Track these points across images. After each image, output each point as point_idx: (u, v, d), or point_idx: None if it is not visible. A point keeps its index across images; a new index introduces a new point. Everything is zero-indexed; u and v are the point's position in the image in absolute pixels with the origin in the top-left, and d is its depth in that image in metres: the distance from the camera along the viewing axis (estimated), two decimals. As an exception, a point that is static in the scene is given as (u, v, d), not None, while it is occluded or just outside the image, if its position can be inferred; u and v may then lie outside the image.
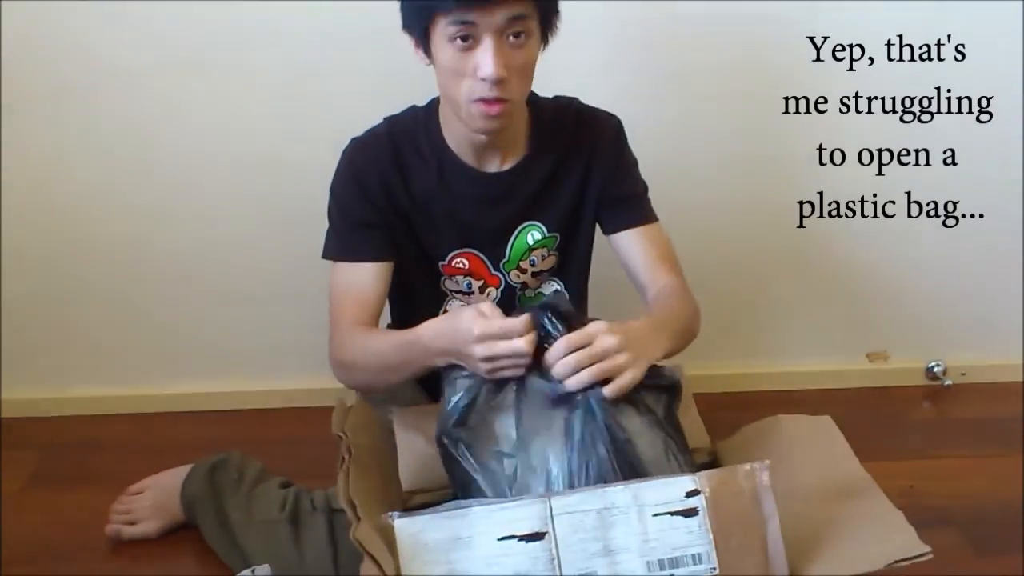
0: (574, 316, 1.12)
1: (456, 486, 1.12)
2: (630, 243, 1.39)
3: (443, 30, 1.18)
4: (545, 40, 1.25)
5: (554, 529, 0.94)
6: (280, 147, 1.71)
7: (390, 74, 1.51)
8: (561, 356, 1.07)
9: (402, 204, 1.35)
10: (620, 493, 0.95)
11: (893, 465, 1.64)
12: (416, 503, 1.17)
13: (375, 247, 1.34)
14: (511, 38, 1.18)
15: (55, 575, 1.43)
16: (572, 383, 1.07)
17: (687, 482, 0.96)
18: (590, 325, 1.09)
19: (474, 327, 1.08)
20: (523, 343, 1.07)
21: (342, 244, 1.35)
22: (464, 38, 1.17)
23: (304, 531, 1.35)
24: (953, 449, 1.75)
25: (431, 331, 1.17)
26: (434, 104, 1.35)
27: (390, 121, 1.37)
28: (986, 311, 1.93)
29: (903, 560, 0.93)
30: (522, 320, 1.08)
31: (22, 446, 1.74)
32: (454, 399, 1.12)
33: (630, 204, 1.41)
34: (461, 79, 1.20)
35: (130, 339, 1.85)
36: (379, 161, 1.34)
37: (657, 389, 1.14)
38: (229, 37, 1.64)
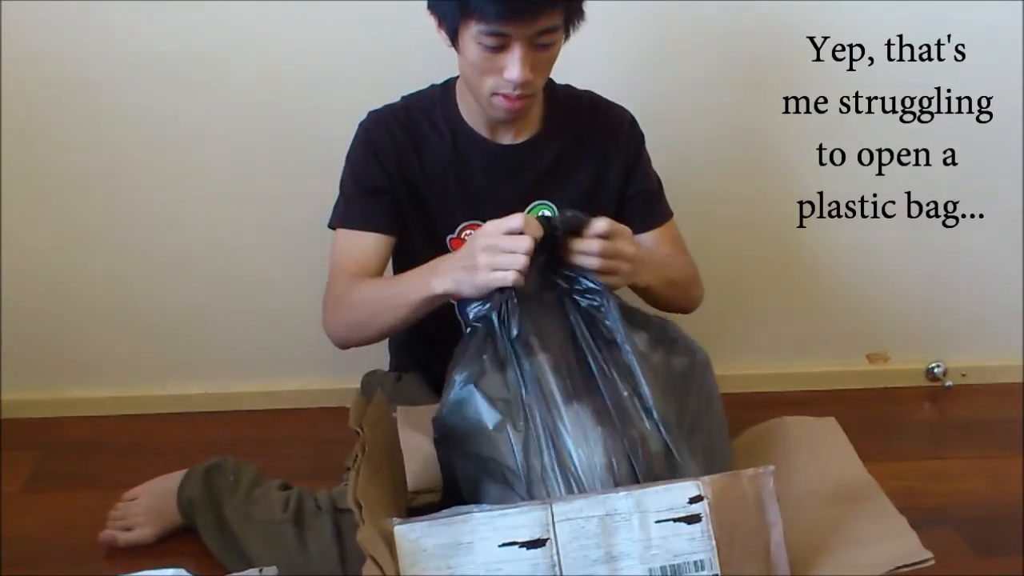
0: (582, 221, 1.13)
1: (448, 483, 1.12)
2: (649, 243, 1.43)
3: (474, 33, 1.20)
4: (567, 35, 1.28)
5: (555, 536, 0.94)
6: (281, 149, 1.71)
7: (392, 76, 1.51)
8: (601, 232, 1.11)
9: (414, 175, 1.38)
10: (622, 499, 0.95)
11: (893, 466, 1.64)
12: (421, 503, 1.17)
13: (381, 217, 1.37)
14: (539, 42, 1.22)
15: (54, 575, 1.42)
16: (588, 262, 1.11)
17: (690, 488, 0.96)
18: (622, 226, 1.16)
19: (483, 228, 1.13)
20: (526, 238, 1.09)
21: (349, 211, 1.38)
22: (495, 46, 1.20)
23: (308, 532, 1.34)
24: (953, 450, 1.74)
25: (438, 259, 1.22)
26: (451, 82, 1.39)
27: (407, 97, 1.41)
28: (986, 311, 1.93)
29: (905, 566, 0.94)
30: (528, 219, 1.10)
31: (22, 446, 1.73)
32: (453, 390, 1.10)
33: (651, 203, 1.46)
34: (486, 75, 1.25)
35: (130, 339, 1.84)
36: (392, 130, 1.37)
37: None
38: (233, 38, 1.64)
